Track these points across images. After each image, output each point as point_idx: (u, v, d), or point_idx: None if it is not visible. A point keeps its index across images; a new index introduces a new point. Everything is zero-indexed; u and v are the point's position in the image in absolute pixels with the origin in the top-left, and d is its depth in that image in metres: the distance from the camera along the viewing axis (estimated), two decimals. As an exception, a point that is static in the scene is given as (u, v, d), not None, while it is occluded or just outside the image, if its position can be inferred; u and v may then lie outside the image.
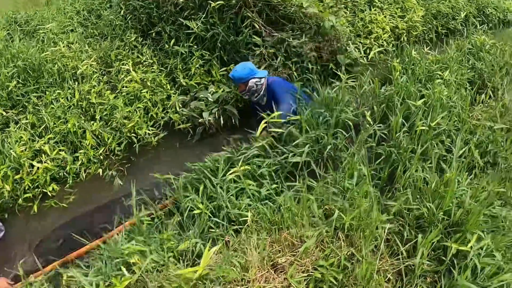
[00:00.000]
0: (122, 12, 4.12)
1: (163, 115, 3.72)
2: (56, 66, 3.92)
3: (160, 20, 3.96)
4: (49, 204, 3.28)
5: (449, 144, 2.65)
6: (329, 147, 2.46)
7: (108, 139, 3.57)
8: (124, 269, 1.85)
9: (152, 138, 3.59)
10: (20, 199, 3.30)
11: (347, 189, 2.16)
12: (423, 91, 3.04)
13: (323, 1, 3.98)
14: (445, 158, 2.55)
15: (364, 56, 4.03)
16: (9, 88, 3.90)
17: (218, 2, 3.53)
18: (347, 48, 3.79)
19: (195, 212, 2.22)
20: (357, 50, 4.02)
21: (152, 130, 3.64)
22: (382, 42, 4.42)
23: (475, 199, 2.13)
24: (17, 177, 3.36)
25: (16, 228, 3.23)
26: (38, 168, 3.38)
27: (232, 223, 2.17)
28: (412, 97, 2.91)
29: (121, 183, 3.30)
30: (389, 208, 2.13)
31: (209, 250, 1.82)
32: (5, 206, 3.32)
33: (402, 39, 4.66)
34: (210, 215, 2.22)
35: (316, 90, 2.93)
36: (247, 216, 2.08)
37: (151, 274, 1.84)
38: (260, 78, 3.23)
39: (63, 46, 4.04)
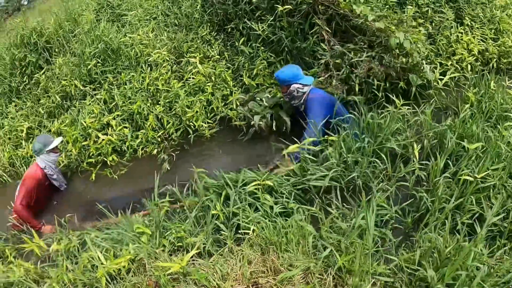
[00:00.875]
0: (199, 6, 4.41)
1: (222, 109, 3.95)
2: (133, 51, 4.38)
3: (236, 16, 4.17)
4: (106, 172, 3.75)
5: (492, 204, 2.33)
6: (355, 174, 2.45)
7: (168, 123, 3.91)
8: (131, 245, 2.17)
9: (207, 131, 3.84)
10: (84, 163, 3.86)
11: (358, 227, 2.13)
12: (489, 132, 2.78)
13: (398, 14, 3.86)
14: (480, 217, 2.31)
15: (440, 79, 3.75)
16: (89, 66, 4.47)
17: (286, 7, 3.63)
18: (422, 67, 3.58)
19: (212, 212, 2.40)
20: (434, 70, 3.78)
21: (208, 123, 3.90)
22: (466, 66, 4.08)
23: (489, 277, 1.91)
24: (84, 143, 3.92)
25: (74, 187, 3.89)
26: (103, 139, 3.88)
27: (238, 232, 2.34)
28: (474, 137, 2.68)
29: (168, 168, 3.61)
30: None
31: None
32: (71, 166, 3.92)
33: (491, 65, 4.30)
34: (224, 219, 2.42)
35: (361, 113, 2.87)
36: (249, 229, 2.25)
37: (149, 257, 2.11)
38: (304, 85, 3.25)
39: (142, 33, 4.48)
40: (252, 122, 3.57)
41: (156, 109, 3.98)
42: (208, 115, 3.98)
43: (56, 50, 5.03)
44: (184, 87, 4.04)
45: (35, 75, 5.02)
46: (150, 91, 4.15)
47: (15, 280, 2.55)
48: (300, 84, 3.24)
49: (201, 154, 3.76)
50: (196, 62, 4.07)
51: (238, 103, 3.81)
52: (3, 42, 6.06)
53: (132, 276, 2.24)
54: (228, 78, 4.01)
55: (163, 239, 2.46)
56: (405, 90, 3.53)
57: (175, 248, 2.45)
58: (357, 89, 3.40)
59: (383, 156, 2.59)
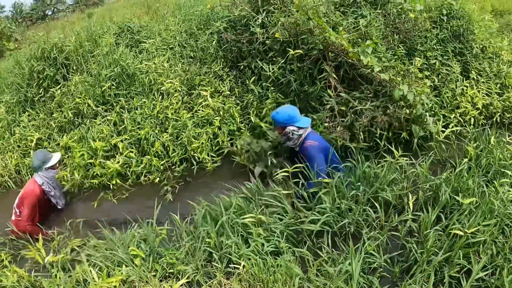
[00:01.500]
0: (214, 41, 4.67)
1: (228, 144, 4.15)
2: (147, 78, 4.64)
3: (249, 55, 4.42)
4: (108, 195, 3.97)
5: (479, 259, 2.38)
6: (346, 221, 2.60)
7: (173, 152, 4.12)
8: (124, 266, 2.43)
9: (210, 164, 4.04)
10: (86, 183, 4.08)
11: (345, 272, 2.27)
12: (484, 187, 2.86)
13: (406, 65, 4.06)
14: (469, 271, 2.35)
15: (442, 131, 3.89)
16: (104, 88, 4.73)
17: (297, 51, 3.84)
18: (425, 119, 3.74)
19: (206, 240, 2.60)
20: (437, 122, 3.92)
21: (212, 156, 4.09)
22: (469, 119, 4.23)
23: None
24: (90, 161, 4.16)
25: (72, 207, 4.20)
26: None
27: (229, 266, 2.50)
28: (469, 192, 2.78)
29: (171, 199, 3.80)
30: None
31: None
32: (73, 184, 4.14)
33: (494, 119, 4.42)
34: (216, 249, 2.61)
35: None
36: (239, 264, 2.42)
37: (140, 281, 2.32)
38: (299, 127, 3.26)
39: (158, 62, 4.74)
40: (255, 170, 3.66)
41: (163, 137, 4.19)
42: (213, 147, 4.18)
43: (74, 67, 5.29)
44: (193, 118, 4.25)
45: (51, 89, 5.27)
46: (159, 118, 4.37)
47: (7, 285, 2.69)
48: (295, 126, 3.25)
49: (204, 187, 3.92)
50: (206, 95, 4.30)
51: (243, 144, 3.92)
52: (23, 52, 6.40)
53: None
54: (236, 114, 4.21)
55: (155, 264, 2.61)
56: (407, 140, 3.71)
57: (166, 274, 2.59)
58: (361, 137, 3.58)
59: (377, 205, 2.72)
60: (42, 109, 5.41)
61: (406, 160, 3.17)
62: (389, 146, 3.43)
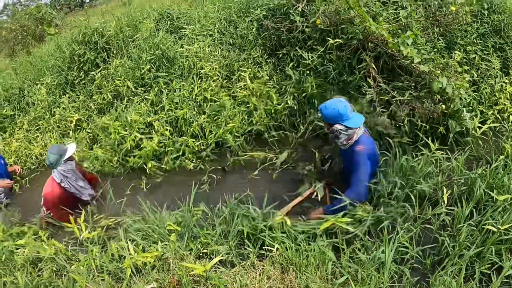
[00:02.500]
0: (254, 29, 4.91)
1: (266, 120, 4.39)
2: (187, 62, 4.92)
3: (288, 43, 4.64)
4: (141, 183, 4.29)
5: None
6: (383, 215, 2.75)
7: (209, 133, 4.38)
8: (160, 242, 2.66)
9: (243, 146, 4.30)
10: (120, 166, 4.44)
11: (377, 259, 2.44)
12: None
13: (445, 58, 4.19)
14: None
15: (479, 127, 3.98)
16: (143, 70, 5.06)
17: (337, 41, 4.04)
18: (463, 115, 3.81)
19: (239, 228, 2.80)
20: (474, 118, 4.03)
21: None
22: (507, 116, 4.29)
23: None
24: (124, 133, 4.54)
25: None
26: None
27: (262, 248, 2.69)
28: (504, 188, 2.81)
29: (207, 190, 4.06)
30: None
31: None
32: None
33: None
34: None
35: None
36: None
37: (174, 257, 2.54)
38: (348, 127, 2.98)
39: (198, 47, 5.03)
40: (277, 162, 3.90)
41: (200, 118, 4.47)
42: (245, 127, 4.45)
43: (114, 52, 5.64)
44: (231, 100, 4.53)
45: (92, 72, 5.64)
46: (198, 101, 4.65)
47: (45, 256, 2.94)
48: (344, 126, 2.98)
49: (238, 179, 4.15)
50: (246, 77, 4.56)
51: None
52: (64, 36, 6.80)
53: (155, 272, 2.55)
54: (273, 96, 4.42)
55: (190, 242, 2.79)
56: (443, 135, 3.81)
57: (200, 254, 2.73)
58: (406, 128, 3.69)
59: (413, 198, 2.82)
60: (82, 92, 5.78)
61: (442, 154, 3.28)
62: (426, 140, 3.54)
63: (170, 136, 4.51)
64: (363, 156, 2.98)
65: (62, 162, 3.91)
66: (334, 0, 4.12)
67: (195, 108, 4.68)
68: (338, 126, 2.99)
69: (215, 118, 4.51)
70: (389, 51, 3.83)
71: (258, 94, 4.52)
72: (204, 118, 4.48)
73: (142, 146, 4.49)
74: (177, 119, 4.60)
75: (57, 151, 3.90)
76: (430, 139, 3.60)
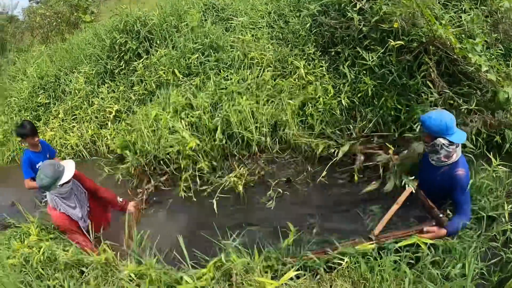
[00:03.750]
0: (308, 25, 5.08)
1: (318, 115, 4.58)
2: (238, 52, 5.10)
3: (342, 41, 4.80)
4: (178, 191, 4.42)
5: None
6: None
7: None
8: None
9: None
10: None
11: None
12: None
13: (503, 66, 4.29)
14: None
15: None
16: (191, 59, 5.23)
17: (398, 42, 4.19)
18: None
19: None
20: None
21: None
22: None
23: None
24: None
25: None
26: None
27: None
28: None
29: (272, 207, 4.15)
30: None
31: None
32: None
33: None
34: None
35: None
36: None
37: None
38: (451, 143, 2.95)
39: (251, 36, 5.21)
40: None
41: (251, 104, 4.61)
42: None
43: (158, 41, 5.80)
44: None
45: (133, 62, 5.81)
46: (250, 88, 4.80)
47: (92, 261, 3.07)
48: (448, 140, 2.95)
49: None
50: (300, 67, 4.75)
51: None
52: (102, 24, 6.94)
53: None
54: (331, 90, 4.58)
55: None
56: (498, 144, 3.92)
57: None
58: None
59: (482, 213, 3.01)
60: (122, 82, 5.96)
61: (504, 170, 3.35)
62: (487, 153, 3.62)
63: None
64: (466, 181, 2.98)
65: (58, 186, 3.37)
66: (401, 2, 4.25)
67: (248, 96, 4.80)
68: (442, 140, 2.95)
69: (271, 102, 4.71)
70: (454, 56, 4.00)
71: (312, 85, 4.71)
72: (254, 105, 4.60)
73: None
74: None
75: (52, 174, 3.32)
76: (484, 147, 3.79)
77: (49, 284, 2.96)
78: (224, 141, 4.49)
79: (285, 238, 2.97)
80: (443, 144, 2.94)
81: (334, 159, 4.15)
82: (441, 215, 2.98)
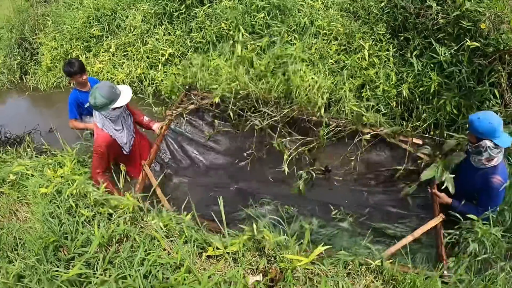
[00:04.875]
0: (383, 3, 5.11)
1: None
2: (304, 19, 5.20)
3: (414, 28, 4.86)
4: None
5: None
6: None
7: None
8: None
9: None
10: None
11: None
12: None
13: None
14: None
15: None
16: (256, 18, 5.32)
17: (474, 43, 4.24)
18: None
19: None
20: None
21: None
22: None
23: None
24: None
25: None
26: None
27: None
28: None
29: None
30: None
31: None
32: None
33: None
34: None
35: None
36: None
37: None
38: (496, 146, 3.08)
39: (321, 3, 5.30)
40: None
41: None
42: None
43: (224, -9, 5.83)
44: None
45: (195, 8, 5.89)
46: (312, 60, 4.96)
47: (123, 204, 3.19)
48: (493, 143, 3.08)
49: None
50: (365, 47, 4.88)
51: None
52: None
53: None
54: (393, 78, 4.73)
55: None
56: None
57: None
58: None
59: None
60: (180, 26, 6.08)
61: None
62: None
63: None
64: (500, 190, 3.16)
65: (110, 109, 3.53)
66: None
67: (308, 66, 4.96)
68: (488, 143, 3.08)
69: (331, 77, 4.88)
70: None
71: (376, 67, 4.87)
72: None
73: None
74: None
75: (108, 95, 3.44)
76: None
77: (77, 220, 3.13)
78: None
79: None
80: (488, 146, 3.09)
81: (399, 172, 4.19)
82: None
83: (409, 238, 3.27)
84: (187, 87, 4.80)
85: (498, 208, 3.34)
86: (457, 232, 3.28)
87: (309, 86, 4.55)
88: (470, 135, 3.26)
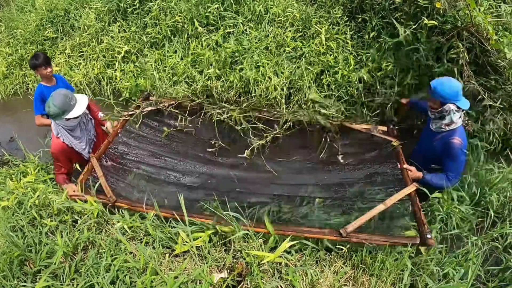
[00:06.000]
0: (338, -15, 5.01)
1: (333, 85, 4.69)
2: (259, 7, 5.13)
3: (371, 9, 4.77)
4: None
5: None
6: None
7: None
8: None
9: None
10: None
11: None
12: None
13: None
14: None
15: None
16: (209, 9, 5.26)
17: (431, 22, 4.16)
18: None
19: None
20: None
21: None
22: None
23: None
24: None
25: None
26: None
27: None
28: None
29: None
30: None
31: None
32: None
33: None
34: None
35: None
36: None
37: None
38: (458, 108, 3.18)
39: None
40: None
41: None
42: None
43: (176, -16, 5.74)
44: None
45: (148, 3, 5.79)
46: (269, 49, 4.91)
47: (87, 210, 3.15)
48: (456, 106, 3.18)
49: None
50: (322, 32, 4.79)
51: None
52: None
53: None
54: (351, 62, 4.66)
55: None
56: None
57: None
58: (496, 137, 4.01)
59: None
60: (134, 22, 5.97)
61: None
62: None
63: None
64: (460, 150, 3.20)
65: (64, 119, 3.45)
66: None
67: (264, 54, 4.91)
68: (451, 106, 3.16)
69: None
70: (488, 47, 4.04)
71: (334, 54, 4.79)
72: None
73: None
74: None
75: (61, 105, 3.36)
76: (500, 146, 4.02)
77: (41, 231, 3.07)
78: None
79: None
80: (453, 110, 3.17)
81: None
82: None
83: (380, 207, 3.05)
84: (146, 93, 4.70)
85: (459, 177, 3.35)
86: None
87: (266, 79, 4.57)
88: (433, 101, 3.29)
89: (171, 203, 3.44)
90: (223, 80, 4.79)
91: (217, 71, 4.82)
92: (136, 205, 3.21)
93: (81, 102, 3.52)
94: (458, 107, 3.17)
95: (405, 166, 3.41)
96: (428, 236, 2.75)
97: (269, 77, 4.65)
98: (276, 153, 4.25)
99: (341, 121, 4.04)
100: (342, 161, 3.98)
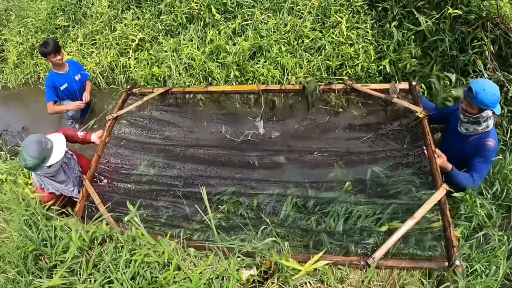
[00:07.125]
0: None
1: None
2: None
3: (392, -3, 4.80)
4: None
5: None
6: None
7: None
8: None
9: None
10: None
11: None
12: None
13: None
14: None
15: None
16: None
17: (456, 11, 4.18)
18: None
19: None
20: None
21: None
22: None
23: None
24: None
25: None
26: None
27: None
28: None
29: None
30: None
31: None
32: None
33: None
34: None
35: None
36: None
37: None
38: (494, 115, 3.15)
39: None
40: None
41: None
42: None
43: (192, -31, 5.71)
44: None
45: (163, -10, 5.76)
46: (287, 38, 4.96)
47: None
48: (494, 112, 3.13)
49: None
50: (343, 22, 4.82)
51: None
52: None
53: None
54: (372, 53, 4.68)
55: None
56: None
57: None
58: None
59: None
60: (148, 9, 5.97)
61: None
62: None
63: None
64: (494, 152, 3.19)
65: (45, 167, 3.21)
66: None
67: (284, 44, 4.96)
68: (489, 113, 3.11)
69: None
70: (512, 38, 4.08)
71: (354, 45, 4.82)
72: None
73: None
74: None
75: (38, 154, 3.10)
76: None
77: (56, 224, 3.10)
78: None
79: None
80: (490, 116, 3.14)
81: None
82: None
83: (409, 224, 2.84)
84: (129, 86, 4.79)
85: (483, 179, 3.34)
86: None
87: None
88: (471, 106, 3.19)
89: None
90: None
91: (236, 73, 4.89)
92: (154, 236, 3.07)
93: (58, 142, 3.31)
94: (494, 114, 3.14)
95: (437, 150, 3.25)
96: (457, 262, 2.62)
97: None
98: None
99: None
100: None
